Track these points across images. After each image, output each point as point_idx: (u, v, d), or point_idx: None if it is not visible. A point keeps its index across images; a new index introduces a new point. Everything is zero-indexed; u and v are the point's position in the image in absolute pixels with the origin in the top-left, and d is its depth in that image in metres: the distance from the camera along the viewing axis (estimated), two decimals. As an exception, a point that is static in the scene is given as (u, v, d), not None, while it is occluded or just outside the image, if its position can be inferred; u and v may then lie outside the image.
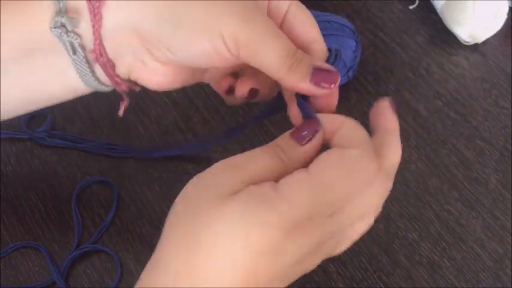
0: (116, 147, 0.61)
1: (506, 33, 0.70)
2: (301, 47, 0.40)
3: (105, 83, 0.43)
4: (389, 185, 0.38)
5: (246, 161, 0.35)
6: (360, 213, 0.36)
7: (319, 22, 0.66)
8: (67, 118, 0.64)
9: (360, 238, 0.56)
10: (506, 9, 0.67)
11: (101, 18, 0.39)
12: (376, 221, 0.57)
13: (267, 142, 0.62)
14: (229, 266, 0.33)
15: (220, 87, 0.45)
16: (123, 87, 0.44)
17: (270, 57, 0.38)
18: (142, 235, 0.56)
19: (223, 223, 0.33)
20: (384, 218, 0.57)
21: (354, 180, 0.35)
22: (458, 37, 0.69)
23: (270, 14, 0.41)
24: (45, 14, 0.39)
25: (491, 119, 0.64)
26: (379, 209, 0.38)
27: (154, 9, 0.39)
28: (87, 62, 0.41)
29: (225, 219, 0.33)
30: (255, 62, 0.38)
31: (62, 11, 0.39)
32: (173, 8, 0.38)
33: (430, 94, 0.66)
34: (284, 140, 0.37)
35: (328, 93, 0.39)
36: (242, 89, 0.43)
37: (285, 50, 0.38)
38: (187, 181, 0.59)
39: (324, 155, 0.35)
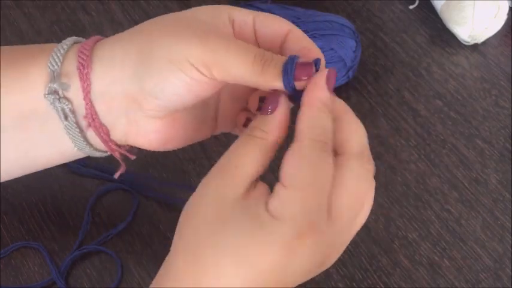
0: (157, 182, 0.59)
1: (506, 33, 0.70)
2: (282, 46, 0.42)
3: (99, 149, 0.45)
4: (370, 167, 0.38)
5: (236, 159, 0.37)
6: (351, 204, 0.37)
7: (319, 22, 0.66)
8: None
9: (360, 238, 0.56)
10: (506, 9, 0.67)
11: (90, 84, 0.41)
12: (376, 221, 0.57)
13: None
14: (239, 283, 0.35)
15: (238, 124, 0.46)
16: (117, 154, 0.45)
17: (239, 67, 0.39)
18: (143, 235, 0.56)
19: (226, 245, 0.35)
20: (384, 218, 0.57)
21: (319, 173, 0.36)
22: (458, 37, 0.69)
23: (240, 31, 0.42)
24: (41, 81, 0.42)
25: (491, 119, 0.64)
26: (370, 196, 0.38)
27: (129, 65, 0.41)
28: (78, 127, 0.43)
29: (228, 240, 0.35)
30: (229, 77, 0.39)
31: (55, 78, 0.41)
32: (143, 57, 0.40)
33: (430, 94, 0.66)
34: (256, 118, 0.38)
35: (305, 85, 0.39)
36: (253, 102, 0.44)
37: (250, 55, 0.39)
38: (186, 181, 0.59)
39: (288, 163, 0.36)
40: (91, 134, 0.43)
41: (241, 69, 0.38)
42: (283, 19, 0.42)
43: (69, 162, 0.59)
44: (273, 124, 0.38)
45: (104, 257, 0.55)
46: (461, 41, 0.69)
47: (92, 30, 0.70)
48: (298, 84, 0.38)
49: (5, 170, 0.46)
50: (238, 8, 0.42)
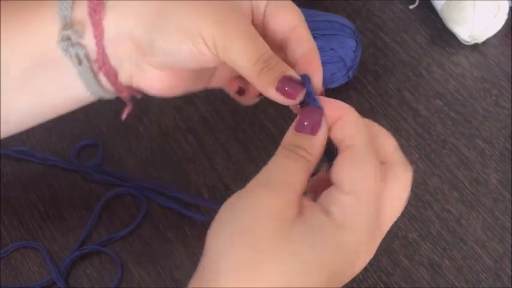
0: (166, 190, 0.58)
1: (506, 33, 0.70)
2: (284, 39, 0.42)
3: (109, 90, 0.45)
4: (410, 174, 0.38)
5: (288, 178, 0.36)
6: (394, 212, 0.38)
7: (319, 22, 0.66)
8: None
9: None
10: (506, 9, 0.67)
11: (102, 30, 0.41)
12: (376, 221, 0.57)
13: (267, 142, 0.62)
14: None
15: (230, 90, 0.46)
16: (125, 94, 0.45)
17: (242, 59, 0.39)
18: (143, 236, 0.56)
19: (294, 262, 0.34)
20: (384, 218, 0.57)
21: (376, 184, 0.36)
22: (458, 37, 0.69)
23: (253, 16, 0.42)
24: (52, 29, 0.42)
25: (491, 119, 0.64)
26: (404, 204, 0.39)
27: (145, 19, 0.41)
28: (92, 71, 0.43)
29: (293, 255, 0.34)
30: (230, 63, 0.40)
31: (67, 25, 0.41)
32: (161, 16, 0.41)
33: (430, 94, 0.66)
34: (298, 137, 0.37)
35: (292, 104, 0.39)
36: (233, 86, 0.45)
37: (256, 54, 0.39)
38: (185, 179, 0.59)
39: (347, 168, 0.36)
40: (101, 77, 0.44)
41: (243, 62, 0.39)
42: (296, 11, 0.42)
43: (79, 166, 0.59)
44: (318, 147, 0.37)
45: (104, 257, 0.55)
46: (462, 41, 0.69)
47: (92, 30, 0.70)
48: (285, 101, 0.39)
49: (21, 119, 0.46)
50: None
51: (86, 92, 0.44)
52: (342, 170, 0.36)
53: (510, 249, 0.55)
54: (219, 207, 0.37)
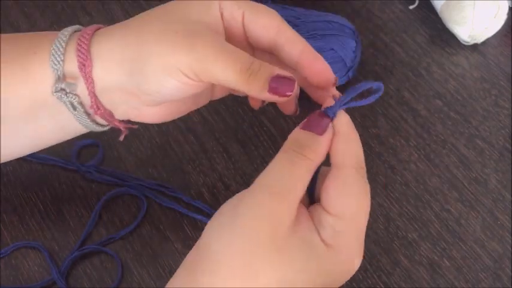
0: (166, 190, 0.58)
1: (506, 33, 0.70)
2: (270, 44, 0.42)
3: (105, 125, 0.48)
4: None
5: (291, 183, 0.36)
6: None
7: (319, 22, 0.66)
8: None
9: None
10: (506, 9, 0.67)
11: (92, 81, 0.43)
12: (376, 221, 0.57)
13: (267, 142, 0.62)
14: None
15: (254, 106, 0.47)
16: (122, 126, 0.48)
17: (225, 75, 0.39)
18: (143, 236, 0.56)
19: (283, 272, 0.35)
20: (384, 218, 0.57)
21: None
22: (458, 37, 0.69)
23: (228, 27, 0.43)
24: (47, 82, 0.44)
25: (491, 119, 0.64)
26: None
27: (126, 67, 0.43)
28: (87, 114, 0.45)
29: (286, 266, 0.35)
30: (217, 82, 0.41)
31: (60, 78, 0.44)
32: (138, 61, 0.42)
33: (430, 94, 0.66)
34: (304, 134, 0.38)
35: (287, 101, 0.40)
36: (255, 103, 0.47)
37: (237, 65, 0.39)
38: (185, 179, 0.59)
39: (335, 191, 0.37)
40: (96, 117, 0.46)
41: (227, 77, 0.40)
42: (273, 14, 0.43)
43: (79, 166, 0.59)
44: (324, 147, 0.38)
45: (104, 257, 0.55)
46: (461, 41, 0.69)
47: (92, 30, 0.70)
48: (281, 99, 0.40)
49: (17, 153, 0.50)
50: (229, 1, 0.42)
51: (82, 128, 0.47)
52: (327, 192, 0.37)
53: (510, 249, 0.55)
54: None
